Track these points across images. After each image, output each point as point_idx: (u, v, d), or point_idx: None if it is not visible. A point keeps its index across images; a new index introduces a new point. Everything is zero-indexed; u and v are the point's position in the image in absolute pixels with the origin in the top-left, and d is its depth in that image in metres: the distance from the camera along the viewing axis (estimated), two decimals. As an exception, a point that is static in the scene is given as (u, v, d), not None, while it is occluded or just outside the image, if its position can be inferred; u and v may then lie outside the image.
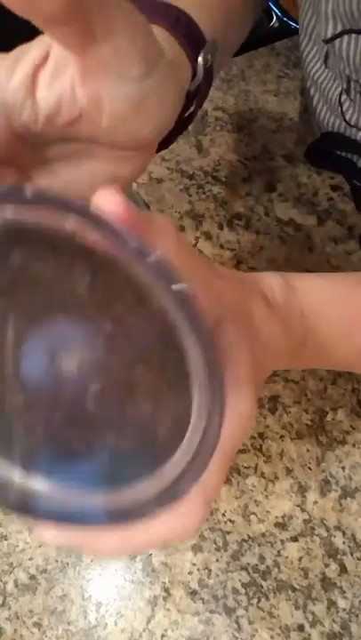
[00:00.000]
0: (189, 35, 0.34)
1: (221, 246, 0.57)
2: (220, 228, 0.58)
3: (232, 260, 0.56)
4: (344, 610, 0.42)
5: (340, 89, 0.45)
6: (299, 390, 0.50)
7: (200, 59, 0.34)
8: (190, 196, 0.60)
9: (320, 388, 0.50)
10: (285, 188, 0.60)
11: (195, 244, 0.57)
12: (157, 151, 0.35)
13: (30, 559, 0.44)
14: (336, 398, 0.49)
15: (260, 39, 0.70)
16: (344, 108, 0.45)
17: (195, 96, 0.36)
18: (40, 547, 0.45)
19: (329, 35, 0.40)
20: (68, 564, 0.44)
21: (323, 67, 0.46)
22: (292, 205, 0.59)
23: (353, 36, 0.39)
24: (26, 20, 0.22)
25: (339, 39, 0.40)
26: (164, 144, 0.36)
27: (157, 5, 0.35)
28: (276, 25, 0.73)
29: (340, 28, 0.39)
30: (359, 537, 0.44)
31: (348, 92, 0.43)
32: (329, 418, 0.49)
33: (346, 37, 0.39)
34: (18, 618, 0.43)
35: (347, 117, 0.45)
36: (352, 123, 0.45)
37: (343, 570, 0.43)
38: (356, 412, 0.49)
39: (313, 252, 0.56)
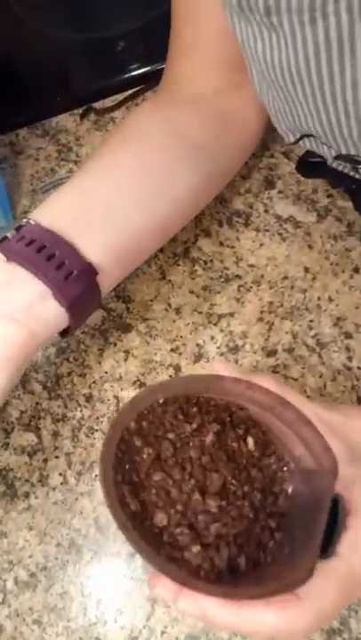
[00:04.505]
0: (57, 278, 0.39)
1: (221, 243, 0.57)
2: (220, 225, 0.58)
3: (232, 257, 0.56)
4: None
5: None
6: (298, 387, 0.50)
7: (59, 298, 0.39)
8: (190, 193, 0.60)
9: (320, 385, 0.50)
10: (285, 185, 0.59)
11: (194, 242, 0.57)
12: (79, 325, 0.44)
13: (30, 557, 0.44)
14: (336, 395, 0.49)
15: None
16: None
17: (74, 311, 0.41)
18: (40, 544, 0.45)
19: (291, 140, 0.48)
20: (67, 561, 0.44)
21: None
22: (291, 202, 0.58)
23: (311, 138, 0.46)
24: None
25: (301, 141, 0.47)
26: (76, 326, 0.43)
27: (33, 249, 0.39)
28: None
29: (298, 135, 0.47)
30: None
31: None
32: (328, 415, 0.48)
33: (306, 140, 0.47)
34: (18, 615, 0.43)
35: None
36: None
37: (343, 567, 0.43)
38: (356, 410, 0.49)
39: (312, 250, 0.56)
